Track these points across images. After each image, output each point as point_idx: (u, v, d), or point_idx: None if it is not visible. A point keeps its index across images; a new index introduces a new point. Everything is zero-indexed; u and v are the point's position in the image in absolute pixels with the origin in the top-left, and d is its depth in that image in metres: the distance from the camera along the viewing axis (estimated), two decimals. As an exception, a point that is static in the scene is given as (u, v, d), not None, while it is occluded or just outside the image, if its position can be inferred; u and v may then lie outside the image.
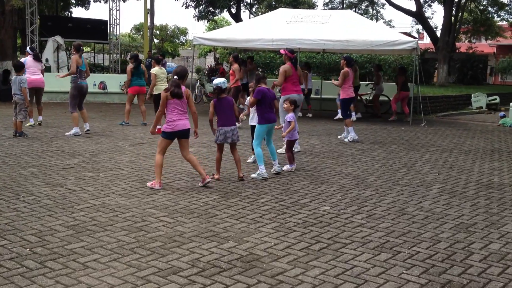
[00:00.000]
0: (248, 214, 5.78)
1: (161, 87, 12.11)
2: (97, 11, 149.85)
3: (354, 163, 8.93)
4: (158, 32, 53.57)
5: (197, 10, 29.39)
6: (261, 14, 45.10)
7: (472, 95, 22.76)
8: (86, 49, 53.10)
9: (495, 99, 23.43)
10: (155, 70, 12.46)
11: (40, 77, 12.35)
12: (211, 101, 7.36)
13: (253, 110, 8.38)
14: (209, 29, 68.03)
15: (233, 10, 33.94)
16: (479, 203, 6.56)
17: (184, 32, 59.68)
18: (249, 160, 8.60)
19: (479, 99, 22.56)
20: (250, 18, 41.47)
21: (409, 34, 33.69)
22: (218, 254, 4.56)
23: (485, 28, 43.71)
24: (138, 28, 57.79)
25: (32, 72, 12.08)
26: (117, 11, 23.57)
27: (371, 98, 18.69)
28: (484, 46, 52.57)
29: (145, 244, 4.75)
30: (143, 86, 13.29)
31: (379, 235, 5.18)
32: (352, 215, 5.86)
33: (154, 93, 12.43)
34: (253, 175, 7.58)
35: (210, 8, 29.08)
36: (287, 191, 6.84)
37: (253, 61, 18.52)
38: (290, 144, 8.11)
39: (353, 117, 16.47)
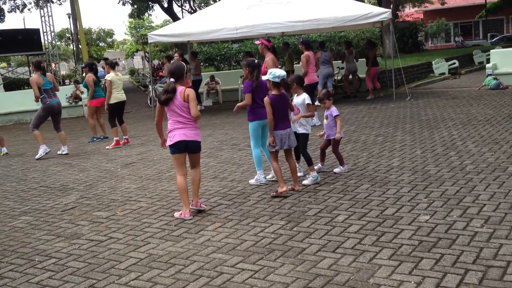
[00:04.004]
0: (342, 242, 4.55)
1: (117, 95, 10.74)
2: (11, 24, 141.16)
3: (390, 153, 7.85)
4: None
5: (135, 6, 27.60)
6: (189, 7, 43.40)
7: (433, 62, 22.33)
8: (2, 64, 49.73)
9: (454, 63, 23.16)
10: (110, 76, 10.82)
11: None
12: (267, 98, 5.92)
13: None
14: (130, 28, 65.60)
15: (165, 6, 32.21)
16: None
17: (110, 34, 57.13)
18: (300, 174, 6.87)
19: (440, 65, 22.18)
20: (182, 11, 39.77)
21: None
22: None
23: (412, -5, 44.15)
24: (60, 36, 54.75)
25: None
26: (50, 17, 21.34)
27: (340, 78, 17.80)
28: (411, 13, 53.19)
29: (254, 314, 3.45)
30: (104, 97, 11.63)
31: (529, 247, 4.09)
32: (466, 223, 4.73)
33: (111, 102, 10.77)
34: (251, 181, 6.68)
35: (150, 3, 27.34)
36: (357, 202, 5.64)
37: (196, 57, 17.26)
38: (337, 142, 6.84)
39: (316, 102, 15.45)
